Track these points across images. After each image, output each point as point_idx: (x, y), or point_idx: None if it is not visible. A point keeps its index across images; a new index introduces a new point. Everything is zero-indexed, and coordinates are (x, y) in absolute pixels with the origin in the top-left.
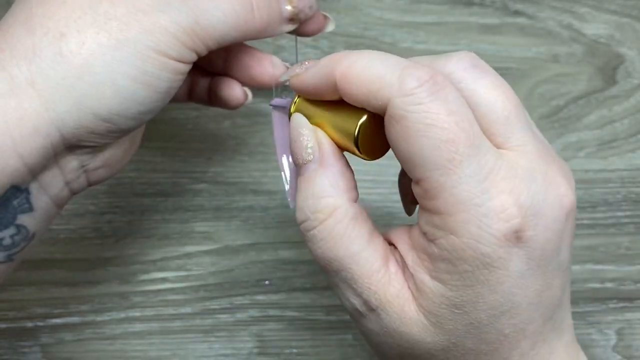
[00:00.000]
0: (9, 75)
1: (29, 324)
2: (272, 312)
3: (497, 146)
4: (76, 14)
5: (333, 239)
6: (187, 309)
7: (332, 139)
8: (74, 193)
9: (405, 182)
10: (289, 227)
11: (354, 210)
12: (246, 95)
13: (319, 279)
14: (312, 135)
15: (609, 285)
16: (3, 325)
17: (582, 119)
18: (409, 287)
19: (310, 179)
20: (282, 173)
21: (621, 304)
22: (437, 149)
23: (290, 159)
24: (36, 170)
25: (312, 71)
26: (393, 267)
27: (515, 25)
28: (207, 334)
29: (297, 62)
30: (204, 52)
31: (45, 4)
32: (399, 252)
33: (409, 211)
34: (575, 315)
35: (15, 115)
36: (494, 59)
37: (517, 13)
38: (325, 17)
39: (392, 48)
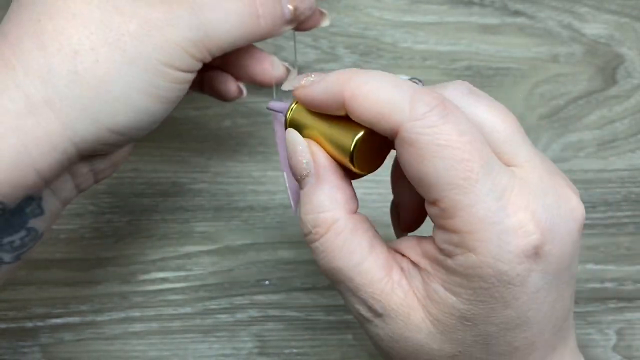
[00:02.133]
0: (25, 95)
1: (29, 324)
2: (272, 312)
3: (506, 164)
4: (88, 30)
5: (333, 252)
6: (187, 309)
7: (327, 150)
8: (80, 191)
9: (398, 209)
10: (289, 227)
11: (353, 222)
12: (241, 91)
13: (319, 279)
14: (307, 150)
15: (609, 285)
16: (3, 325)
17: (582, 119)
18: (415, 294)
19: (309, 194)
20: (284, 176)
21: (621, 304)
22: (452, 169)
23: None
24: (50, 180)
25: (319, 86)
26: (397, 275)
27: (515, 25)
28: (207, 334)
29: (295, 60)
30: (208, 59)
31: (54, 17)
32: (407, 260)
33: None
34: (575, 315)
35: (33, 135)
36: (494, 59)
37: (517, 13)
38: (322, 12)
39: (392, 48)
